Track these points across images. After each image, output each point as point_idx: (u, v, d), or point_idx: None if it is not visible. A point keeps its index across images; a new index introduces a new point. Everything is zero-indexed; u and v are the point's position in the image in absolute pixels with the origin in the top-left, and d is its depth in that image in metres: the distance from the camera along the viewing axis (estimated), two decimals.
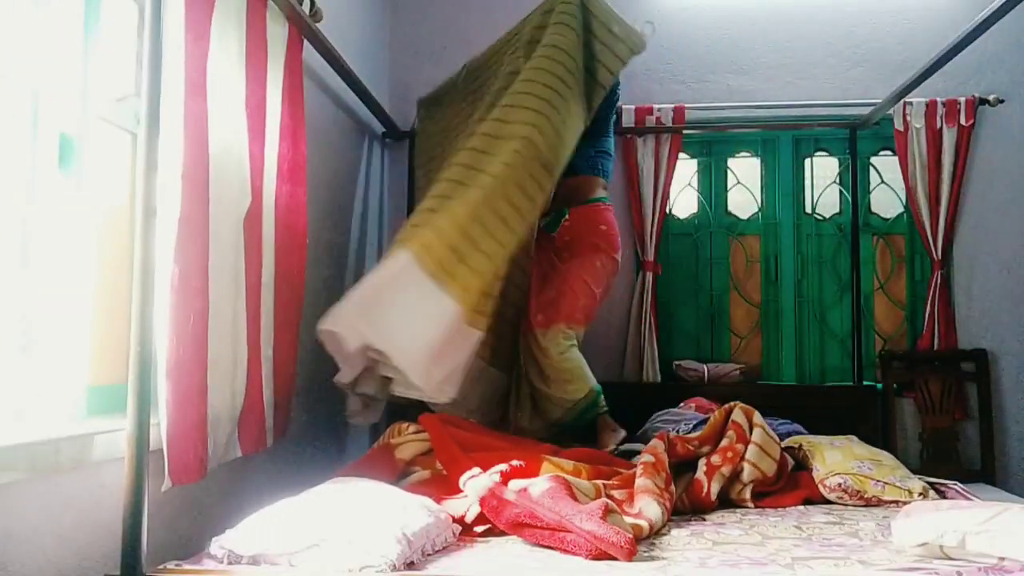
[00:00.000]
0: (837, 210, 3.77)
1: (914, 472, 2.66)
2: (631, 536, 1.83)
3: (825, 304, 3.73)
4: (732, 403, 2.73)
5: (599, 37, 2.79)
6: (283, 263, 2.31)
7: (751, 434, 2.58)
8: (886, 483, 2.49)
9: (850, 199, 3.64)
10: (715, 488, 2.40)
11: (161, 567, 1.53)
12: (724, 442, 2.55)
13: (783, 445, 2.71)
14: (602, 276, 3.02)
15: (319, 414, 2.80)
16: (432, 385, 2.40)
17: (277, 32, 2.29)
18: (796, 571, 1.73)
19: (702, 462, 2.49)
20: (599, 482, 2.28)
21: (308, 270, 2.50)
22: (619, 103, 3.43)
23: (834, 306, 3.72)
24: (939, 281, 3.49)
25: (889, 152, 3.69)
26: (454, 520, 2.00)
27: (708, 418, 2.87)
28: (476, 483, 2.10)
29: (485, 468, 2.19)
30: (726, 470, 2.45)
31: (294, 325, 2.42)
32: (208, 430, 1.86)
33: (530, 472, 2.21)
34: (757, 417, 2.65)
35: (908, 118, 3.51)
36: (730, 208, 3.84)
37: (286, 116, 2.33)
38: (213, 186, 1.89)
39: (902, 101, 3.39)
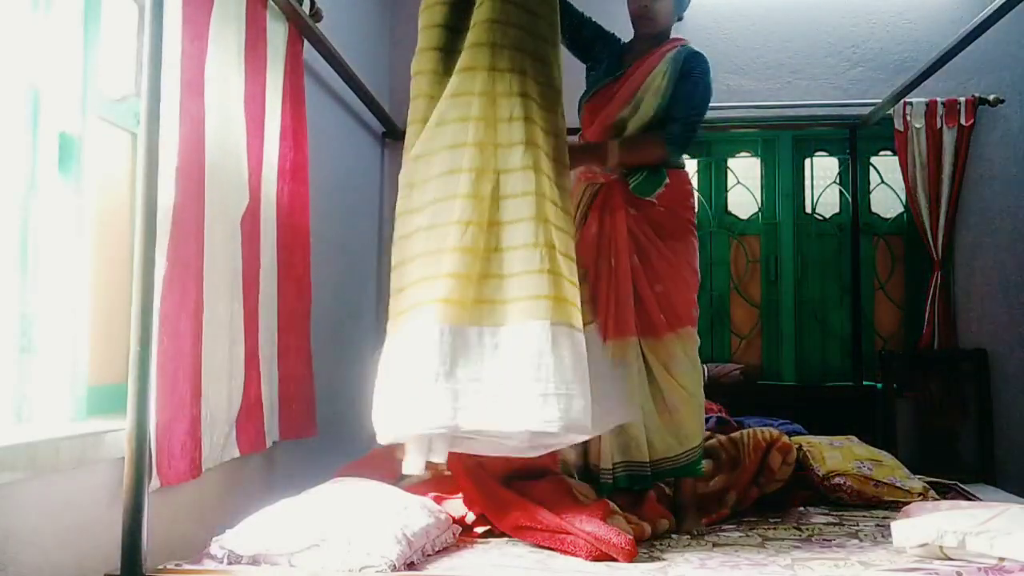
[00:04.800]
0: (837, 210, 3.77)
1: (914, 472, 2.66)
2: (631, 537, 1.83)
3: (825, 304, 3.73)
4: (768, 436, 2.60)
5: None
6: (287, 263, 2.31)
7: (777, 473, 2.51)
8: (886, 483, 2.49)
9: (850, 199, 3.64)
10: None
11: (161, 567, 1.53)
12: (753, 489, 2.47)
13: None
14: (697, 264, 2.43)
15: (319, 414, 2.79)
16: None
17: (277, 32, 2.29)
18: (796, 572, 1.73)
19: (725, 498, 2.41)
20: None
21: (312, 270, 2.50)
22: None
23: (834, 306, 3.72)
24: (939, 281, 3.49)
25: (889, 152, 3.69)
26: (454, 520, 2.00)
27: (709, 418, 2.85)
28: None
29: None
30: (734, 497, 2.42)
31: (303, 324, 2.42)
32: (203, 430, 1.86)
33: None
34: (792, 456, 2.56)
35: (908, 118, 3.51)
36: (730, 208, 3.84)
37: (287, 116, 2.33)
38: (209, 186, 1.89)
39: (902, 101, 3.39)
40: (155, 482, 1.69)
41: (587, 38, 2.50)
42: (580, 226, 2.34)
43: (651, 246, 2.33)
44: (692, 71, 2.35)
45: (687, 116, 2.34)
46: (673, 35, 2.48)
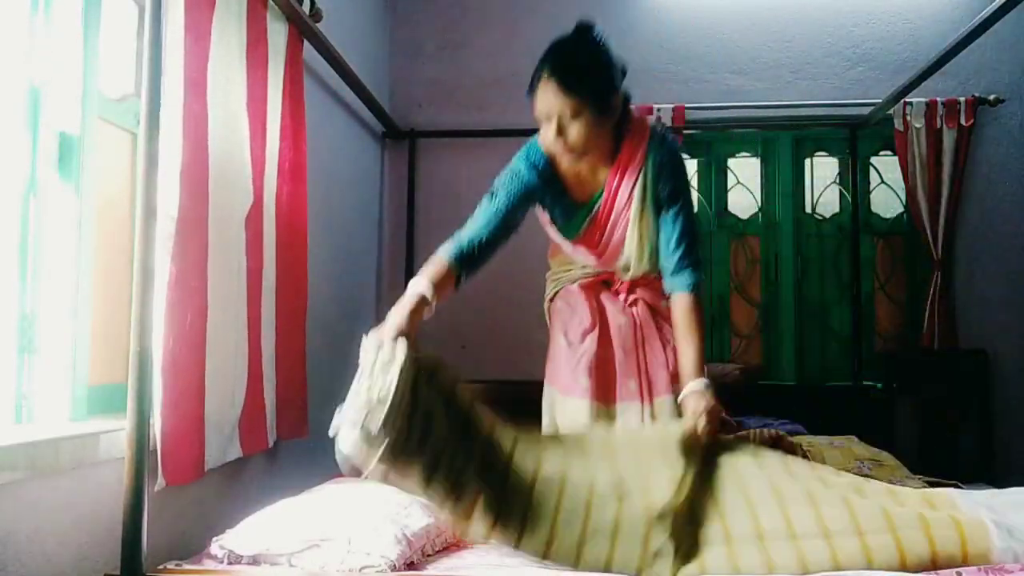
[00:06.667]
0: (837, 210, 3.77)
1: (914, 472, 2.66)
2: None
3: (825, 304, 3.73)
4: (773, 434, 2.41)
5: None
6: (285, 263, 2.31)
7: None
8: (886, 484, 2.49)
9: (850, 199, 3.64)
10: None
11: (161, 567, 1.53)
12: None
13: None
14: None
15: (320, 414, 2.79)
16: None
17: (277, 32, 2.29)
18: None
19: None
20: None
21: (309, 270, 2.50)
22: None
23: (834, 306, 3.72)
24: (939, 281, 3.49)
25: (889, 152, 3.69)
26: None
27: None
28: None
29: None
30: None
31: (299, 325, 2.42)
32: (206, 430, 1.86)
33: None
34: (799, 456, 2.45)
35: (908, 118, 3.51)
36: (730, 208, 3.84)
37: (287, 116, 2.33)
38: (213, 186, 1.89)
39: (902, 101, 3.39)
40: (160, 482, 1.69)
41: (525, 211, 2.00)
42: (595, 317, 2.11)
43: (659, 313, 2.15)
44: (669, 168, 1.97)
45: (689, 223, 1.98)
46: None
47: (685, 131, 3.62)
